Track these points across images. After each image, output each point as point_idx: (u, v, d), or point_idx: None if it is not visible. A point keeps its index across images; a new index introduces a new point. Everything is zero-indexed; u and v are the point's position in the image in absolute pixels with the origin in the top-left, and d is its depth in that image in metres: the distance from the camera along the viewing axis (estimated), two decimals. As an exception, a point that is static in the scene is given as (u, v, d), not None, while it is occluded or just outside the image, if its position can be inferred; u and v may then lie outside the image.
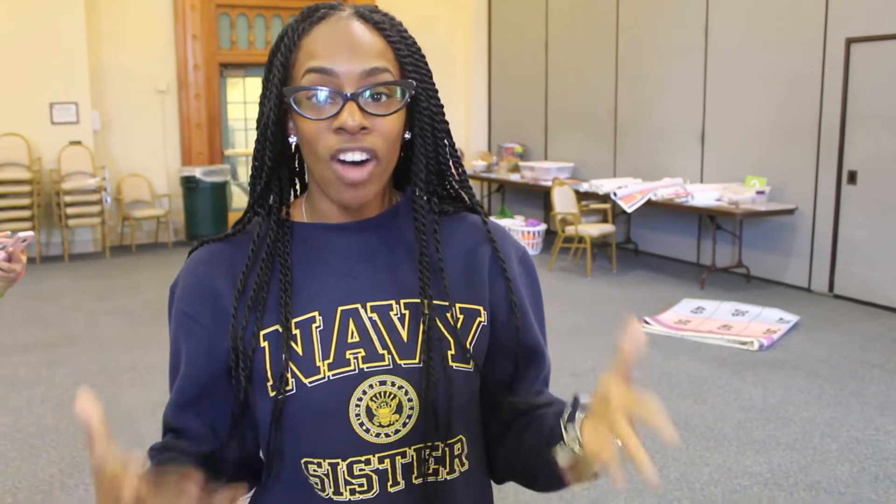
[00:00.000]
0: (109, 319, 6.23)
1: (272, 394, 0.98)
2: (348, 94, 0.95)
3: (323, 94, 0.95)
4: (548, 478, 1.00)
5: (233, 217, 9.57)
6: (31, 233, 1.96)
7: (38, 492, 3.46)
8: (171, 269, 8.05)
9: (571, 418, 0.92)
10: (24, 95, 8.45)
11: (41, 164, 8.61)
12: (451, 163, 1.09)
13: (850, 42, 6.31)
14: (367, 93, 0.96)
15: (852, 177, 6.41)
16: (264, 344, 1.00)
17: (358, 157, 0.96)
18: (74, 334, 5.82)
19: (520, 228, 8.61)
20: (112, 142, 9.23)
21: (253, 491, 1.11)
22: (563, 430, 0.93)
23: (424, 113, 1.04)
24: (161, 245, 9.45)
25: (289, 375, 0.98)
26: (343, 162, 0.96)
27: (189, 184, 9.19)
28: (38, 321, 6.16)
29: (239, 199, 10.29)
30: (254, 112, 8.91)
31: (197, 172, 9.15)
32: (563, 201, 7.75)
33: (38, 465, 3.72)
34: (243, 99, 10.29)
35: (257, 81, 10.32)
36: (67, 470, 3.66)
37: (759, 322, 5.80)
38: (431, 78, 1.05)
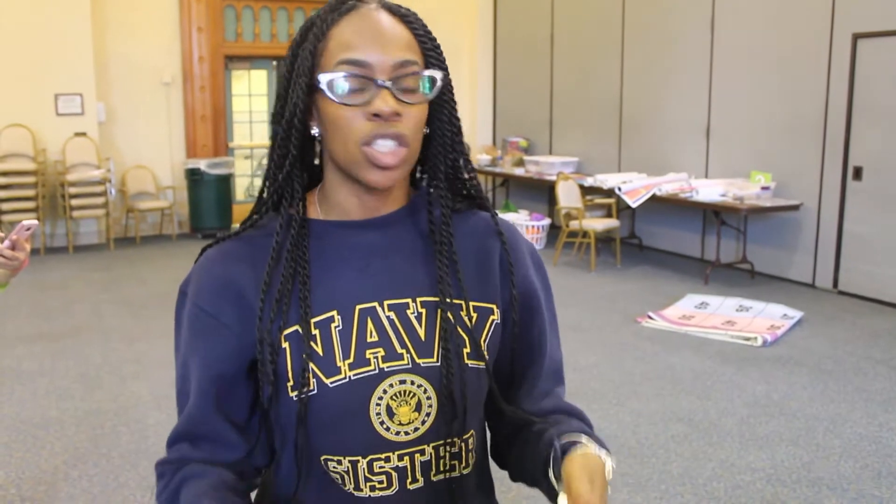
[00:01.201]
0: (114, 311, 6.24)
1: (292, 394, 0.99)
2: (382, 82, 0.96)
3: (358, 81, 0.96)
4: (550, 498, 1.03)
5: (237, 209, 9.58)
6: (34, 221, 1.95)
7: (41, 483, 3.47)
8: (176, 261, 8.08)
9: (558, 473, 0.95)
10: (29, 86, 8.46)
11: (46, 155, 8.62)
12: (461, 162, 1.10)
13: (856, 37, 6.29)
14: (399, 82, 0.97)
15: (858, 173, 6.39)
16: (285, 345, 1.00)
17: (391, 144, 0.97)
18: (78, 326, 5.83)
19: (524, 223, 8.60)
20: (117, 133, 9.24)
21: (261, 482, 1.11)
22: (554, 483, 0.96)
23: (445, 107, 1.05)
24: (165, 237, 9.46)
25: (310, 376, 0.98)
26: (376, 147, 0.97)
27: (193, 176, 9.19)
28: (43, 312, 6.18)
29: (242, 192, 10.29)
30: (259, 105, 8.86)
31: (201, 165, 9.16)
32: (568, 196, 7.74)
33: (42, 456, 3.73)
34: (248, 91, 10.28)
35: (262, 74, 10.30)
36: (71, 461, 3.67)
37: (763, 318, 5.80)
38: (449, 73, 1.06)
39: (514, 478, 1.15)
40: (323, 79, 0.97)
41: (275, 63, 10.19)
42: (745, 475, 3.54)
